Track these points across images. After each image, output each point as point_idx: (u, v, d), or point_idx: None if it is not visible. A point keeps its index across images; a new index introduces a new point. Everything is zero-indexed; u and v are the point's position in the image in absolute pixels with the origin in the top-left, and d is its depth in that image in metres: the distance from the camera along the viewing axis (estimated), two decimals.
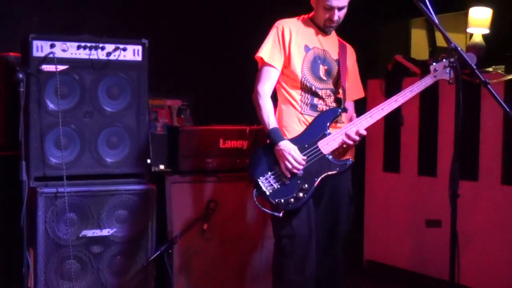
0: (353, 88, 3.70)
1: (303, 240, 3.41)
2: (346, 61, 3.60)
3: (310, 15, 3.59)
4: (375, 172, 5.21)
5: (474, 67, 2.67)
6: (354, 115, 3.61)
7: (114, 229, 4.03)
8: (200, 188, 4.35)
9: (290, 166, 3.33)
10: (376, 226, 5.18)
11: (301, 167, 3.35)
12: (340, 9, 3.44)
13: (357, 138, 3.40)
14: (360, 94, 3.77)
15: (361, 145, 4.70)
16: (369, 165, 5.27)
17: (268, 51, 3.50)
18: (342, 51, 3.61)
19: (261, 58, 3.50)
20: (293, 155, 3.34)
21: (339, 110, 3.50)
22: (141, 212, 4.09)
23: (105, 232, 4.00)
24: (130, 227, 4.07)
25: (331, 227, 3.58)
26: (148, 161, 4.21)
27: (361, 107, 3.81)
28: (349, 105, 3.67)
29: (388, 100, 3.43)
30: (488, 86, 2.62)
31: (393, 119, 4.98)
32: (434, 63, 3.36)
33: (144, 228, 4.10)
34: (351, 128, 3.41)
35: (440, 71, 3.36)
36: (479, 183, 4.33)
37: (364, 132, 3.41)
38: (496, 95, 2.62)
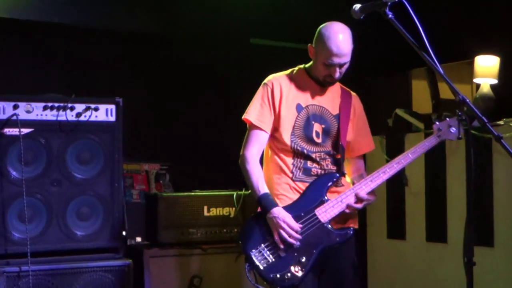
0: (362, 141, 3.68)
1: None
2: (350, 113, 3.59)
3: (307, 65, 3.58)
4: (378, 240, 5.17)
5: (486, 120, 2.67)
6: (364, 172, 3.63)
7: None
8: (182, 262, 4.31)
9: (285, 235, 3.30)
10: None
11: (298, 236, 3.32)
12: (341, 66, 3.44)
13: (358, 205, 3.39)
14: (370, 146, 3.74)
15: (361, 210, 4.69)
16: (371, 231, 5.24)
17: (256, 112, 3.49)
18: (344, 102, 3.59)
19: (249, 121, 3.50)
20: (288, 223, 3.30)
21: (337, 175, 3.50)
22: None
23: None
24: None
25: None
26: (124, 233, 4.17)
27: None
28: (358, 161, 3.67)
29: (389, 163, 3.45)
30: (502, 140, 2.63)
31: (396, 180, 4.99)
32: (437, 122, 3.41)
33: None
34: (351, 194, 3.40)
35: (445, 130, 3.42)
36: (495, 249, 4.30)
37: (365, 196, 3.40)
38: (511, 150, 2.63)
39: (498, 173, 4.31)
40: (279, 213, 3.33)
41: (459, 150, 4.51)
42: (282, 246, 3.32)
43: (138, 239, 4.52)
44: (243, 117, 3.52)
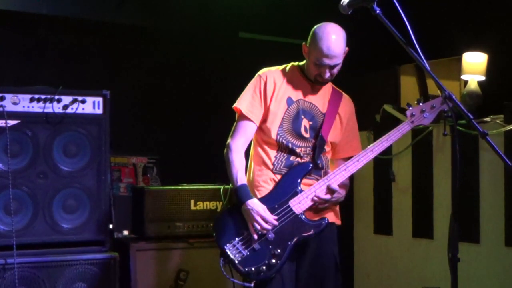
0: (348, 144, 3.65)
1: None
2: (336, 112, 3.58)
3: (301, 63, 3.57)
4: (365, 235, 5.19)
5: (471, 117, 2.68)
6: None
7: None
8: (168, 256, 4.30)
9: (259, 227, 3.30)
10: None
11: (269, 227, 3.32)
12: (332, 67, 3.43)
13: (327, 197, 3.39)
14: (356, 150, 3.65)
15: (348, 205, 4.69)
16: (358, 227, 5.25)
17: (247, 102, 3.49)
18: (333, 101, 3.58)
19: (239, 110, 3.50)
20: (262, 215, 3.31)
21: (310, 165, 3.49)
22: (102, 285, 4.03)
23: None
24: None
25: None
26: (110, 226, 4.16)
27: None
28: (342, 163, 3.58)
29: (363, 150, 3.44)
30: (487, 137, 2.64)
31: (383, 176, 5.00)
32: (410, 108, 3.41)
33: None
34: (324, 184, 3.40)
35: (418, 116, 3.41)
36: (481, 245, 4.32)
37: (336, 188, 3.40)
38: (496, 148, 2.63)
39: (485, 170, 4.32)
40: (254, 205, 3.34)
41: (446, 146, 4.53)
42: (255, 237, 3.32)
43: (125, 232, 4.51)
44: (234, 105, 3.52)
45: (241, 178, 3.40)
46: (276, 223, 3.34)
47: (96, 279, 4.02)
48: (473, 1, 5.29)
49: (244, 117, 3.49)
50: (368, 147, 3.44)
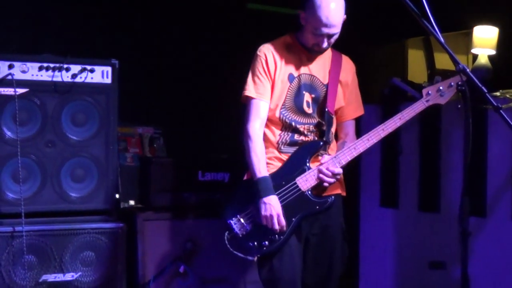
0: (352, 105, 3.69)
1: (286, 285, 3.39)
2: (338, 78, 3.57)
3: (297, 32, 3.55)
4: (370, 208, 5.19)
5: (485, 90, 2.67)
6: (352, 138, 3.62)
7: (79, 273, 3.98)
8: (175, 226, 4.32)
9: (270, 225, 3.34)
10: (372, 269, 5.14)
11: (278, 228, 3.34)
12: (330, 36, 3.41)
13: (330, 177, 3.39)
14: (360, 111, 3.75)
15: (355, 177, 4.69)
16: (364, 199, 5.25)
17: (254, 86, 3.48)
18: (335, 67, 3.57)
19: (248, 95, 3.48)
20: (279, 219, 3.34)
21: (321, 143, 3.49)
22: (109, 254, 4.06)
23: (69, 276, 3.95)
24: (97, 271, 4.03)
25: (324, 271, 3.56)
26: (117, 196, 4.17)
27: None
28: (349, 124, 3.68)
29: (374, 129, 3.43)
30: (501, 111, 2.63)
31: (390, 148, 4.99)
32: (426, 86, 3.39)
33: (113, 272, 4.06)
34: (332, 162, 3.41)
35: (433, 95, 3.41)
36: (487, 219, 4.32)
37: (337, 171, 3.40)
38: (510, 121, 2.63)
39: (493, 144, 4.31)
40: (276, 203, 3.34)
41: (454, 119, 4.51)
42: (274, 229, 3.35)
43: (132, 202, 4.53)
44: (243, 94, 3.50)
45: (262, 169, 3.39)
46: (285, 229, 3.36)
47: (103, 248, 4.05)
48: None
49: (254, 99, 3.47)
50: (380, 126, 3.43)
